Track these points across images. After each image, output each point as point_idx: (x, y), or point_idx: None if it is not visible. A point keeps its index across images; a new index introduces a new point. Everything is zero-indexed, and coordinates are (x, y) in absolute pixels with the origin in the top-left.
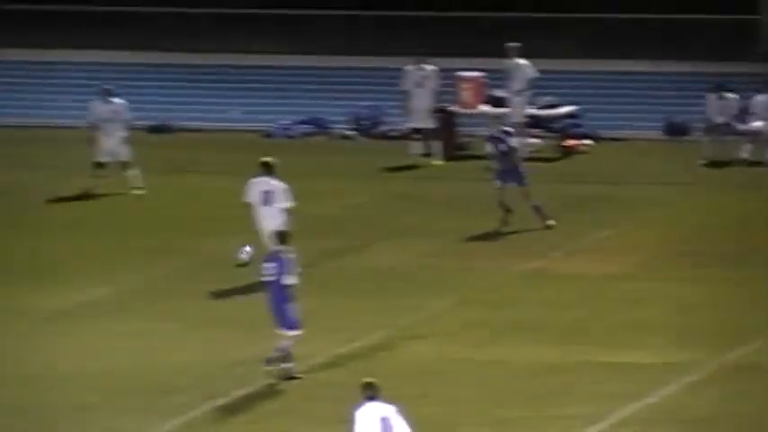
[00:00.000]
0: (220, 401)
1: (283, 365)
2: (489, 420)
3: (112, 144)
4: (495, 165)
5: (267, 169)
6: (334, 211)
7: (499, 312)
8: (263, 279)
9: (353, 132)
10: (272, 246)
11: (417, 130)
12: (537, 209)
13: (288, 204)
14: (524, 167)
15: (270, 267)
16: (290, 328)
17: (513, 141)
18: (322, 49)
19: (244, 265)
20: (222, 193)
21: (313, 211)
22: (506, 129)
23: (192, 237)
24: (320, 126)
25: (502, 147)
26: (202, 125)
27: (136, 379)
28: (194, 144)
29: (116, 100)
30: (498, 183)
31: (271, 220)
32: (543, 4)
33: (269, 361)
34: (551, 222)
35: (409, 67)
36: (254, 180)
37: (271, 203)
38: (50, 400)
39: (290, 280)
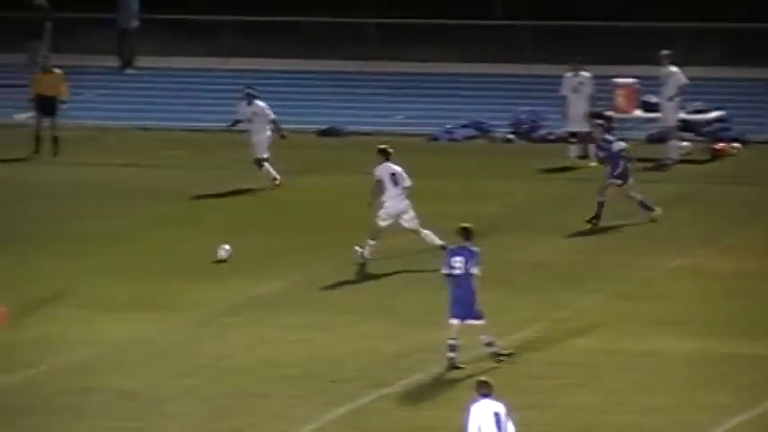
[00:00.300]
0: (386, 390)
1: (491, 350)
2: (641, 408)
3: (256, 141)
4: (606, 168)
5: (386, 155)
6: (493, 209)
7: (648, 306)
8: (452, 272)
9: (513, 136)
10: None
11: (573, 134)
12: (600, 205)
13: (409, 183)
14: (623, 168)
15: (458, 261)
16: (481, 317)
17: (615, 146)
18: (484, 57)
19: (222, 261)
20: None
21: (474, 209)
22: (607, 137)
23: (360, 233)
24: (482, 130)
25: (603, 153)
26: (371, 129)
27: (305, 368)
28: (362, 147)
29: (258, 102)
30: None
31: (397, 199)
32: (693, 14)
33: (450, 348)
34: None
35: (567, 74)
36: (377, 166)
37: (398, 184)
38: (224, 389)
39: (478, 271)
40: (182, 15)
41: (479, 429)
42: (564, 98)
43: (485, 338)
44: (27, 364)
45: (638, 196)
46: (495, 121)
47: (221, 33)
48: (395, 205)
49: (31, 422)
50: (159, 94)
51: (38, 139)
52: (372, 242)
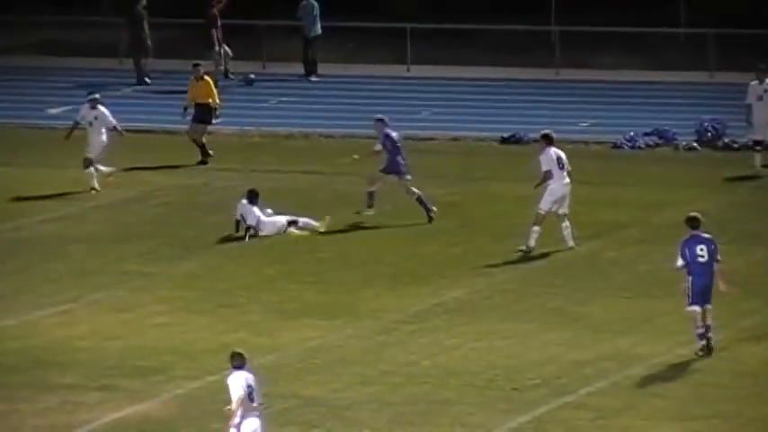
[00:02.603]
0: (568, 399)
1: (707, 336)
2: None
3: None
4: None
5: (549, 140)
6: (678, 218)
7: None
8: (698, 261)
9: (697, 144)
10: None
11: (758, 142)
12: None
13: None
14: None
15: (702, 249)
16: (710, 302)
17: None
18: (668, 65)
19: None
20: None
21: (659, 217)
22: None
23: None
24: (665, 138)
25: None
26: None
27: (487, 376)
28: None
29: (101, 107)
30: None
31: (563, 183)
32: None
33: (700, 336)
34: None
35: (752, 83)
36: (542, 153)
37: (563, 168)
38: (406, 396)
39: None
40: (365, 23)
41: (243, 399)
42: (749, 106)
43: (709, 323)
44: (210, 370)
45: None
46: (678, 129)
47: (404, 41)
48: (561, 189)
49: (214, 428)
50: (342, 102)
51: (203, 147)
52: (536, 229)
